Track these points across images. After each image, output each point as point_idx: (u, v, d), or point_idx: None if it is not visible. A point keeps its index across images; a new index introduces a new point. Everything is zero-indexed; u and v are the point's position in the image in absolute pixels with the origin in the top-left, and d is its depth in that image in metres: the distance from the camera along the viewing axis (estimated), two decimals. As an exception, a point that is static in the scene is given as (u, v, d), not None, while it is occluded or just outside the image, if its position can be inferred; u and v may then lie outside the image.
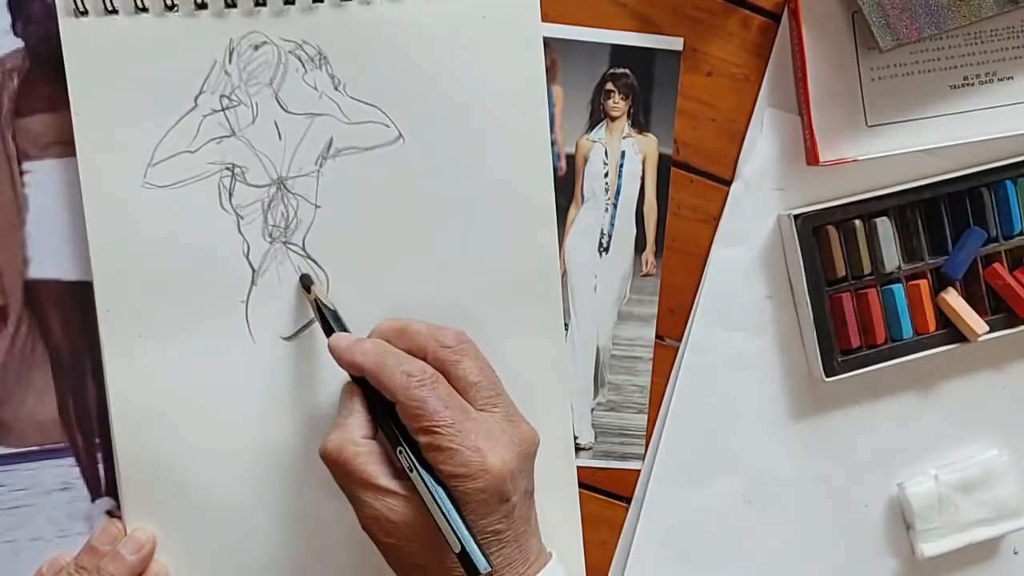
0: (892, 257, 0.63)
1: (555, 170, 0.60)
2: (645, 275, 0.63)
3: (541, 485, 0.55)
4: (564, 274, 0.61)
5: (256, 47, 0.57)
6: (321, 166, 0.58)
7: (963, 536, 0.66)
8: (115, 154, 0.56)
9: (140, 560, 0.56)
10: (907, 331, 0.64)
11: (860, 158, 0.62)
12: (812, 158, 0.62)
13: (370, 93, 0.58)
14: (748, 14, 0.62)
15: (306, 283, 0.57)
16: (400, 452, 0.51)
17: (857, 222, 0.63)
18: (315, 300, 0.56)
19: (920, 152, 0.63)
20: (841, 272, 0.63)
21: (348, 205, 0.58)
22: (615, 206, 0.62)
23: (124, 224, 0.56)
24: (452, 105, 0.59)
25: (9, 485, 0.58)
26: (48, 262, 0.57)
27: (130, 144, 0.56)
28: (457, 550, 0.49)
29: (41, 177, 0.57)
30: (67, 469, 0.58)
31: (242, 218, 0.58)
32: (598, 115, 0.61)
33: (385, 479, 0.51)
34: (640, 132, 0.62)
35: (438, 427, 0.50)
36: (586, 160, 0.61)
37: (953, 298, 0.64)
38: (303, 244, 0.58)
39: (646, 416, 0.63)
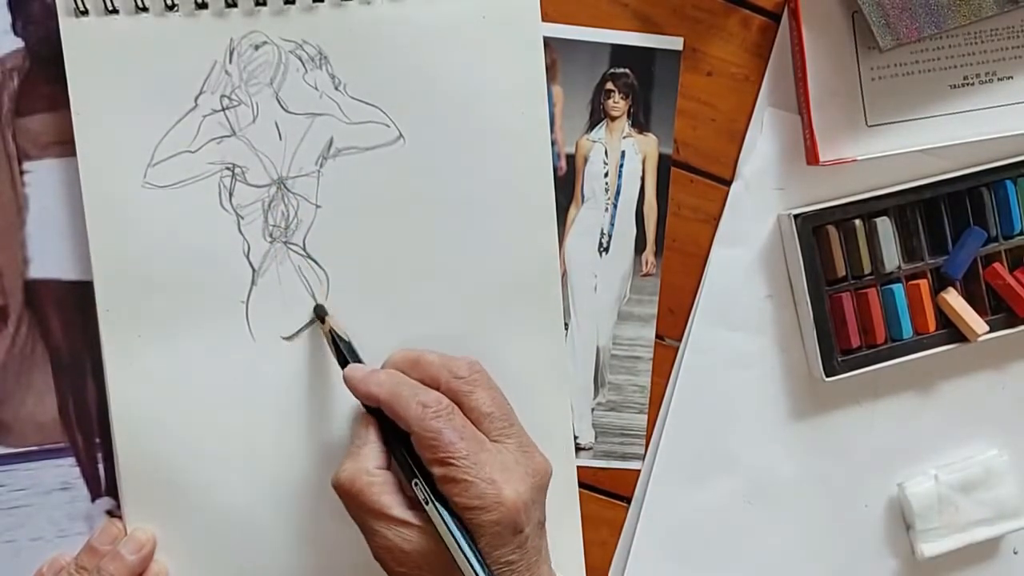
0: (892, 257, 0.63)
1: (555, 170, 0.60)
2: (645, 275, 0.63)
3: (541, 485, 0.55)
4: (564, 274, 0.61)
5: (256, 47, 0.57)
6: (321, 166, 0.58)
7: (963, 536, 0.66)
8: (115, 154, 0.56)
9: (140, 560, 0.56)
10: (907, 331, 0.64)
11: (860, 158, 0.62)
12: (812, 158, 0.62)
13: (370, 93, 0.58)
14: (748, 14, 0.62)
15: (320, 314, 0.57)
16: (416, 484, 0.51)
17: (857, 222, 0.63)
18: (330, 331, 0.56)
19: (920, 152, 0.63)
20: (841, 272, 0.63)
21: (348, 205, 0.58)
22: (615, 206, 0.62)
23: (124, 224, 0.56)
24: (452, 105, 0.59)
25: (9, 485, 0.58)
26: (48, 262, 0.57)
27: (130, 144, 0.56)
28: None
29: (41, 177, 0.57)
30: (67, 469, 0.58)
31: (242, 218, 0.57)
32: (598, 115, 0.61)
33: (399, 509, 0.51)
34: (640, 132, 0.62)
35: (453, 459, 0.50)
36: (586, 160, 0.61)
37: (953, 298, 0.64)
38: (303, 244, 0.58)
39: (646, 416, 0.63)
